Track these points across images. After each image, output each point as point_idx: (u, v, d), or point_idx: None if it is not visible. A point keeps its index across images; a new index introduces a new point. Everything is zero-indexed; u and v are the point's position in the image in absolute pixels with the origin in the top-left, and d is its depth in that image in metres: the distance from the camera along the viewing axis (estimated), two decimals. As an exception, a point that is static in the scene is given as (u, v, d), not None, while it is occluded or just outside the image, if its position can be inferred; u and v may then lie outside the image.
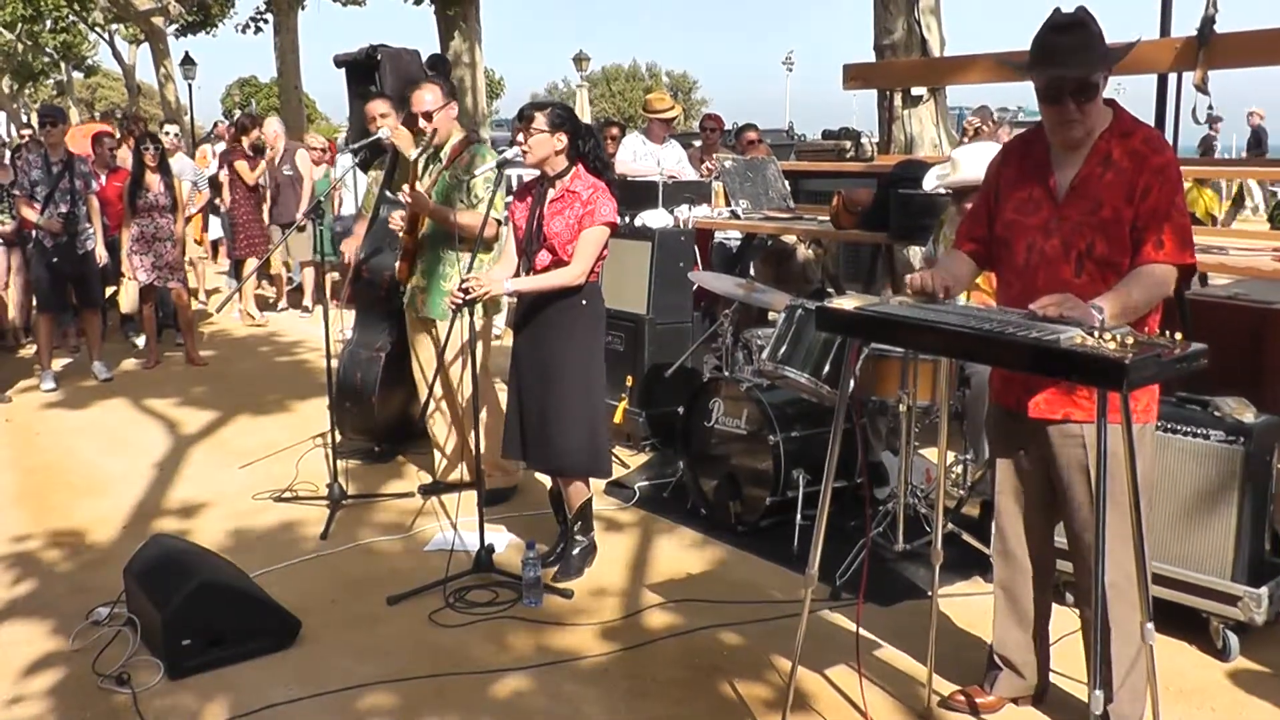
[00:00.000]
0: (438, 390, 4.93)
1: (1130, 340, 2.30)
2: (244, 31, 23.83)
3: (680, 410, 5.04)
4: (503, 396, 4.67)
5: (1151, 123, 5.03)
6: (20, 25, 32.07)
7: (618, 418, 5.60)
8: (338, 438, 5.11)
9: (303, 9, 21.21)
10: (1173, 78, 6.03)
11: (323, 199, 5.54)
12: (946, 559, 3.26)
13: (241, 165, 9.86)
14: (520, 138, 3.99)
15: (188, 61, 28.06)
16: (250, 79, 58.11)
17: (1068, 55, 2.66)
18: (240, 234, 9.95)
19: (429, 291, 4.89)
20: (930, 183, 4.95)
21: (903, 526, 4.16)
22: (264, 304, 10.68)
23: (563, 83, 63.22)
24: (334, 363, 5.19)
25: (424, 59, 7.52)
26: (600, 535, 4.40)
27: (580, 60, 38.45)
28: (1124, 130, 2.76)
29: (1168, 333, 2.40)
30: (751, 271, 7.38)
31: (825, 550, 3.02)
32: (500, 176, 4.19)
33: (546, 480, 4.42)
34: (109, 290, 8.62)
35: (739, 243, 7.58)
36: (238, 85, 58.99)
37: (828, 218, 6.38)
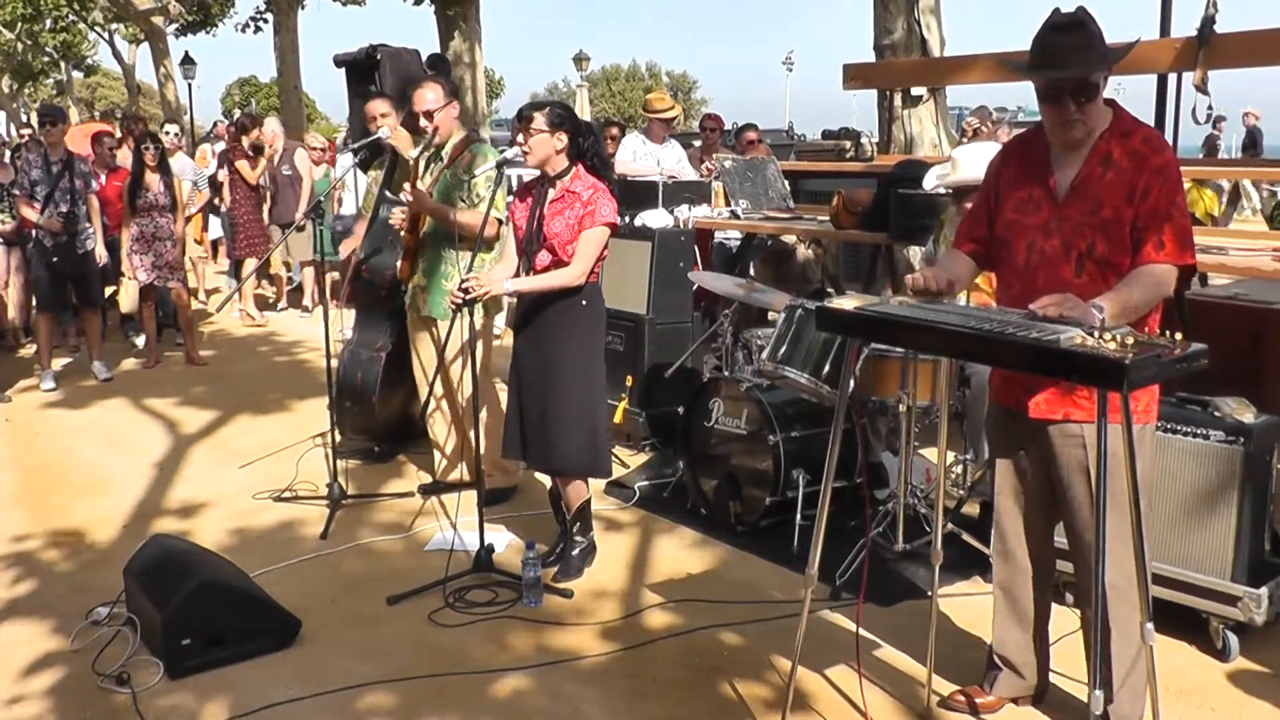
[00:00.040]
0: (438, 389, 4.93)
1: (1130, 340, 2.30)
2: (244, 31, 23.89)
3: (680, 410, 5.04)
4: (503, 396, 4.67)
5: (1151, 123, 5.04)
6: (20, 24, 32.09)
7: (618, 418, 5.60)
8: (338, 437, 5.11)
9: (303, 9, 21.24)
10: (1173, 78, 6.03)
11: (323, 199, 5.54)
12: (946, 559, 3.26)
13: (243, 165, 9.86)
14: (520, 138, 3.99)
15: (188, 61, 28.07)
16: (250, 79, 58.13)
17: (1067, 55, 2.66)
18: (240, 234, 9.96)
19: (430, 291, 4.89)
20: (930, 182, 4.96)
21: (903, 526, 4.16)
22: (264, 304, 10.69)
23: (563, 83, 63.30)
24: (334, 363, 5.19)
25: (424, 59, 7.51)
26: (600, 535, 4.40)
27: (580, 60, 38.49)
28: (1124, 130, 2.76)
29: (1168, 333, 2.40)
30: (751, 271, 7.38)
31: (825, 550, 3.02)
32: (501, 176, 4.19)
33: (546, 480, 4.42)
34: (109, 290, 8.62)
35: (739, 243, 7.58)
36: (238, 85, 59.01)
37: (827, 218, 6.38)
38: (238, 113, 29.77)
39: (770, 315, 6.08)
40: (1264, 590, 3.34)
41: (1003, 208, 2.92)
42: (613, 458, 4.89)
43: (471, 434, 4.49)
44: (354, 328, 5.80)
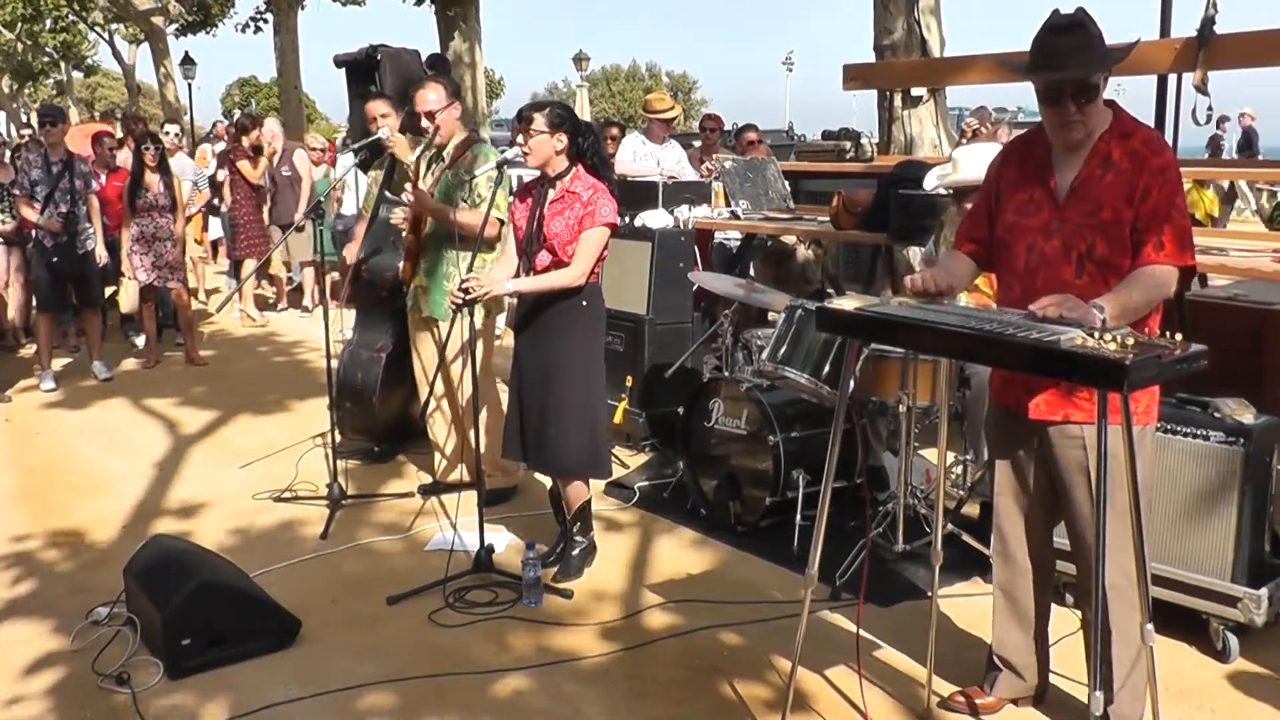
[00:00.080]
0: (438, 390, 4.93)
1: (1131, 341, 2.30)
2: (244, 31, 23.89)
3: (680, 410, 5.04)
4: (505, 397, 4.67)
5: (1152, 124, 5.05)
6: (20, 25, 32.09)
7: (618, 418, 5.60)
8: (338, 438, 5.11)
9: (303, 9, 21.25)
10: (1172, 78, 6.03)
11: (323, 199, 5.54)
12: (946, 560, 3.26)
13: (244, 165, 9.86)
14: (520, 139, 4.00)
15: (188, 61, 28.07)
16: (250, 79, 58.13)
17: (1067, 57, 2.66)
18: (241, 235, 9.95)
19: (431, 291, 4.89)
20: (932, 182, 4.95)
21: (903, 527, 4.16)
22: (264, 304, 10.69)
23: (563, 83, 63.30)
24: (334, 363, 5.19)
25: (424, 59, 7.51)
26: (600, 535, 4.40)
27: (580, 60, 38.47)
28: (1124, 132, 2.76)
29: (1168, 334, 2.40)
30: (751, 272, 7.38)
31: (825, 551, 3.02)
32: (501, 176, 4.19)
33: (546, 480, 4.42)
34: (109, 290, 8.62)
35: (739, 243, 7.58)
36: (238, 85, 59.02)
37: (828, 218, 6.38)
38: (238, 113, 29.79)
39: (770, 316, 6.08)
40: (1264, 591, 3.34)
41: (1003, 209, 2.92)
42: (613, 458, 4.90)
43: (471, 434, 4.49)
44: (354, 328, 5.80)
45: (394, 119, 5.35)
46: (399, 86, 6.08)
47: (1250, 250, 4.86)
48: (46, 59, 38.06)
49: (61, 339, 8.58)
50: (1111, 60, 2.71)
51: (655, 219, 6.05)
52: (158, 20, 23.88)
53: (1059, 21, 2.71)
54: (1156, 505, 3.36)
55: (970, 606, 3.83)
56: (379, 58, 6.74)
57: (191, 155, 11.72)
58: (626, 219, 5.74)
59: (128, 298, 8.29)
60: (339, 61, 7.28)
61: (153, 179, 7.78)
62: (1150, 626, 2.53)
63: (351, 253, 5.53)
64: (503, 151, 4.25)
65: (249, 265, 9.86)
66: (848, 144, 8.40)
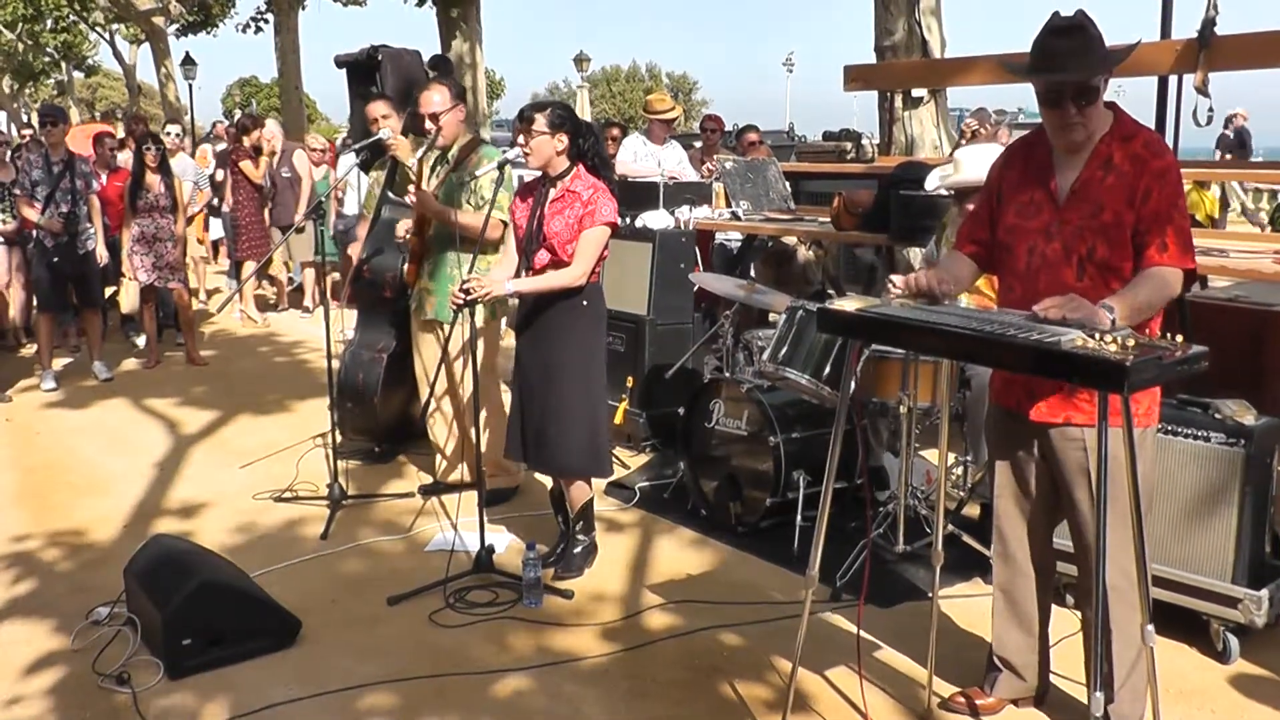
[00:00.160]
0: (439, 390, 4.93)
1: (1131, 342, 2.30)
2: (244, 31, 23.97)
3: (681, 411, 5.04)
4: (507, 398, 4.67)
5: (1152, 125, 5.05)
6: (21, 25, 32.11)
7: (618, 418, 5.60)
8: (338, 438, 5.11)
9: (303, 9, 21.28)
10: (1173, 80, 6.02)
11: (324, 199, 5.54)
12: (947, 560, 3.26)
13: (246, 165, 9.86)
14: (521, 140, 4.00)
15: (188, 61, 28.08)
16: (251, 79, 58.18)
17: (1067, 59, 2.66)
18: (243, 235, 9.95)
19: (435, 294, 4.88)
20: (933, 183, 4.96)
21: (903, 528, 4.16)
22: (264, 305, 10.69)
23: (563, 83, 63.31)
24: (334, 363, 5.19)
25: (425, 60, 7.51)
26: (601, 536, 4.40)
27: (580, 61, 38.47)
28: (1125, 134, 2.76)
29: (1168, 335, 2.40)
30: (752, 273, 7.39)
31: (826, 551, 3.02)
32: (503, 177, 4.19)
33: (548, 480, 4.42)
34: (109, 290, 8.63)
35: (740, 244, 7.58)
36: (238, 85, 59.07)
37: (828, 219, 6.38)
38: (238, 113, 29.81)
39: (771, 316, 6.08)
40: (1264, 592, 3.34)
41: (1004, 211, 2.92)
42: (613, 458, 4.89)
43: (472, 434, 4.49)
44: (355, 328, 5.80)
45: (395, 120, 5.35)
46: (400, 87, 6.08)
47: (1250, 252, 4.86)
48: (47, 59, 38.09)
49: (62, 339, 8.59)
50: (1112, 62, 2.71)
51: (656, 219, 6.06)
52: (158, 20, 23.90)
53: (1059, 24, 2.71)
54: (1157, 506, 3.36)
55: (971, 607, 3.83)
56: (380, 58, 6.73)
57: (192, 155, 11.73)
58: (627, 219, 5.74)
59: (128, 298, 8.30)
60: (340, 62, 7.28)
61: (153, 179, 7.79)
62: (1151, 627, 2.53)
63: (356, 252, 5.53)
64: (504, 152, 4.25)
65: (249, 267, 9.87)
66: (848, 145, 8.43)
